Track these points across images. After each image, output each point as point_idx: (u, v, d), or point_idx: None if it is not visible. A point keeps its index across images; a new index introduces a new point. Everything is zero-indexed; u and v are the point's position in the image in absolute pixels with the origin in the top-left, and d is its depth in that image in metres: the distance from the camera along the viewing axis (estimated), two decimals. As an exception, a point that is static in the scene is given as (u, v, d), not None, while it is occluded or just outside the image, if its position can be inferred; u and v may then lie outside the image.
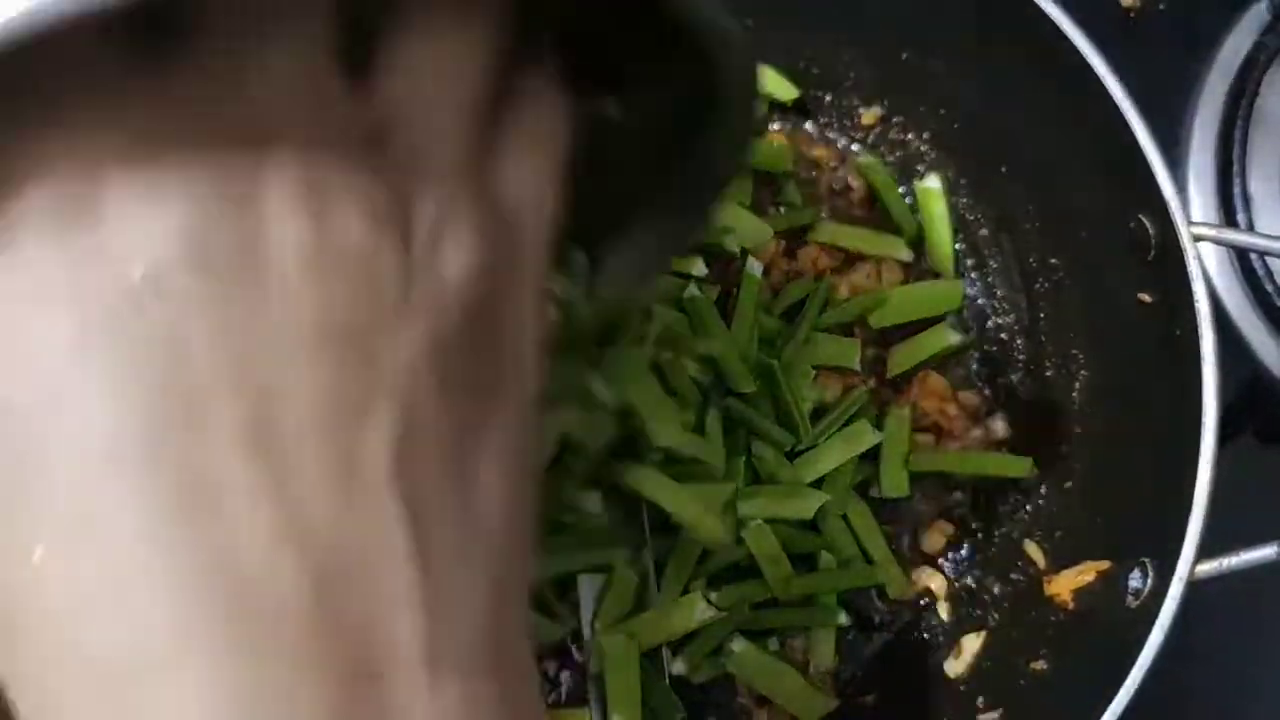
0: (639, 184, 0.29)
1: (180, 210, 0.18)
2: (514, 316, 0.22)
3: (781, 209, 0.57)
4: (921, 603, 0.55)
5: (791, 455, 0.53)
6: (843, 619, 0.53)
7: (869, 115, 0.58)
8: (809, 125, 0.59)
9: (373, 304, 0.19)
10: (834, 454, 0.53)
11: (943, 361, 0.57)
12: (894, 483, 0.54)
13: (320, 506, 0.18)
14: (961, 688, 0.52)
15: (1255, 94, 0.59)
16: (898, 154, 0.59)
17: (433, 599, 0.18)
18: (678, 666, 0.51)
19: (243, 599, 0.17)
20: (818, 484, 0.53)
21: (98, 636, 0.17)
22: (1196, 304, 0.45)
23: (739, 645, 0.51)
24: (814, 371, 0.55)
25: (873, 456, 0.55)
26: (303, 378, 0.18)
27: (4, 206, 0.17)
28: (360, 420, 0.18)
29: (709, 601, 0.50)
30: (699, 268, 0.53)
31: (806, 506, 0.52)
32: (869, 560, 0.54)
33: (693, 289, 0.52)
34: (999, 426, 0.56)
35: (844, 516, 0.54)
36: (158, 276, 0.17)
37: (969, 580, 0.55)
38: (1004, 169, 0.56)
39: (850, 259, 0.57)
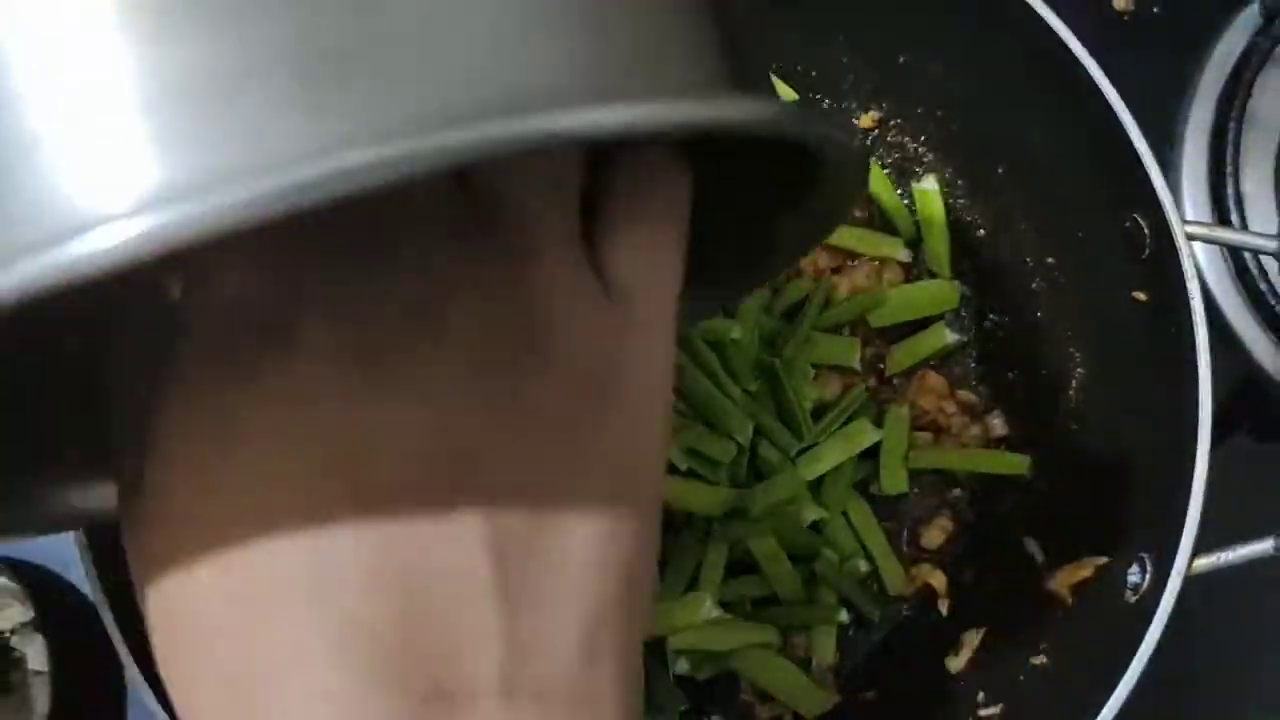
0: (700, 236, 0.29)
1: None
2: (635, 379, 0.22)
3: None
4: (922, 599, 0.55)
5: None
6: (843, 617, 0.54)
7: (867, 118, 0.59)
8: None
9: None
10: (835, 452, 0.54)
11: (941, 360, 0.58)
12: (893, 480, 0.55)
13: (415, 546, 0.19)
14: (962, 683, 0.53)
15: (1248, 95, 0.59)
16: (895, 156, 0.59)
17: (513, 633, 0.20)
18: (681, 666, 0.51)
19: (344, 625, 0.19)
20: (818, 482, 0.54)
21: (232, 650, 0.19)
22: (1191, 302, 0.45)
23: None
24: (813, 370, 0.55)
25: (872, 454, 0.55)
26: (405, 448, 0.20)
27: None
28: (460, 469, 0.20)
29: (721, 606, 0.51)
30: None
31: (805, 516, 0.53)
32: (869, 557, 0.54)
33: None
34: (997, 424, 0.57)
35: (844, 514, 0.54)
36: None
37: (968, 576, 0.55)
38: (1000, 170, 0.56)
39: (851, 259, 0.58)
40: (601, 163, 0.22)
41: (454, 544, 0.20)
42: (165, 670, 0.20)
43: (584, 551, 0.21)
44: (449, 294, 0.20)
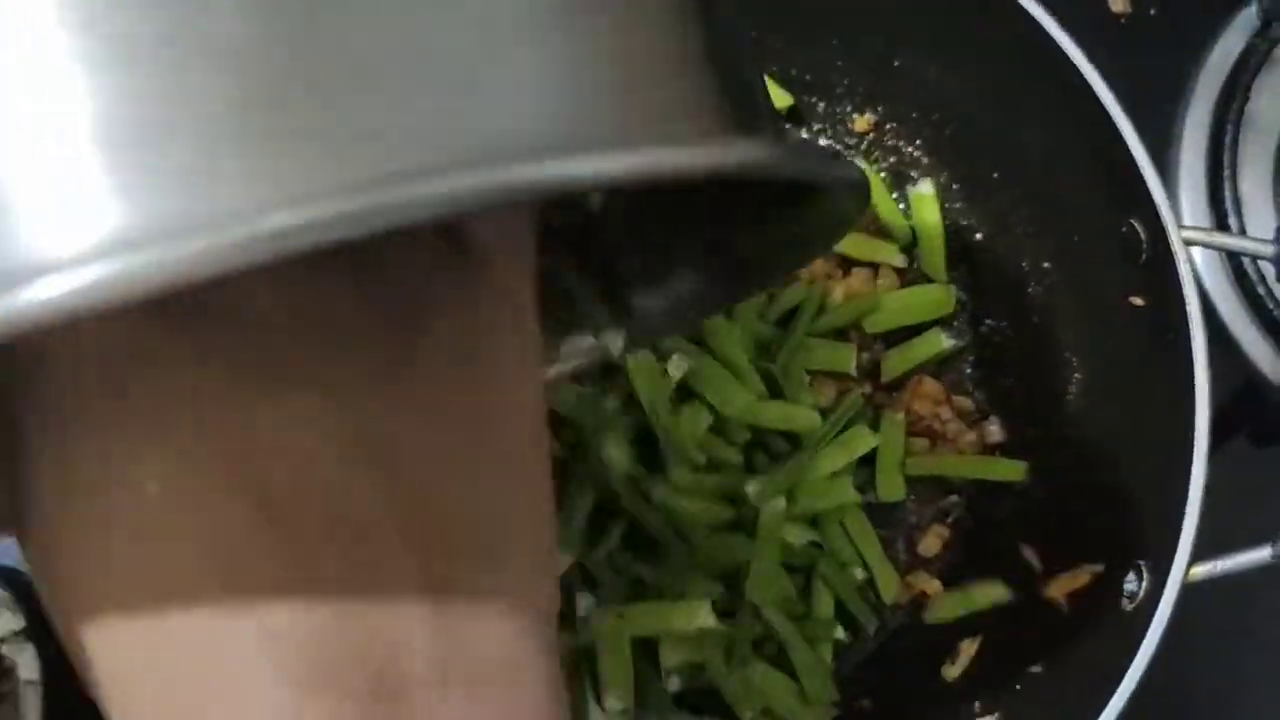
0: (690, 247, 0.28)
1: None
2: (499, 340, 0.22)
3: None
4: (918, 607, 0.55)
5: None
6: (840, 634, 0.53)
7: (862, 122, 0.59)
8: (803, 132, 0.59)
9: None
10: (832, 459, 0.53)
11: (937, 366, 0.57)
12: (890, 487, 0.55)
13: (334, 550, 0.20)
14: (958, 691, 0.52)
15: (1245, 98, 0.59)
16: (891, 160, 0.59)
17: (442, 626, 0.21)
18: (673, 684, 0.51)
19: (275, 641, 0.20)
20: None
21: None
22: (1188, 307, 0.45)
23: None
24: (808, 376, 0.55)
25: (867, 460, 0.55)
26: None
27: None
28: (369, 456, 0.20)
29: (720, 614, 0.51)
30: None
31: (798, 534, 0.53)
32: (865, 565, 0.54)
33: None
34: (993, 430, 0.56)
35: (840, 522, 0.54)
36: None
37: (965, 584, 0.55)
38: (996, 174, 0.56)
39: (846, 264, 0.57)
40: None
41: (374, 540, 0.20)
42: (111, 709, 0.21)
43: (498, 528, 0.22)
44: (327, 286, 0.20)
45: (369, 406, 0.20)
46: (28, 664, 0.53)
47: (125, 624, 0.19)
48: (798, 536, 0.53)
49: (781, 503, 0.52)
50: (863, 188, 0.23)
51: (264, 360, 0.20)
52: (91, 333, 0.19)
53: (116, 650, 0.20)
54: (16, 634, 0.53)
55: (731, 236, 0.27)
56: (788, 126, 0.59)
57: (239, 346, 0.20)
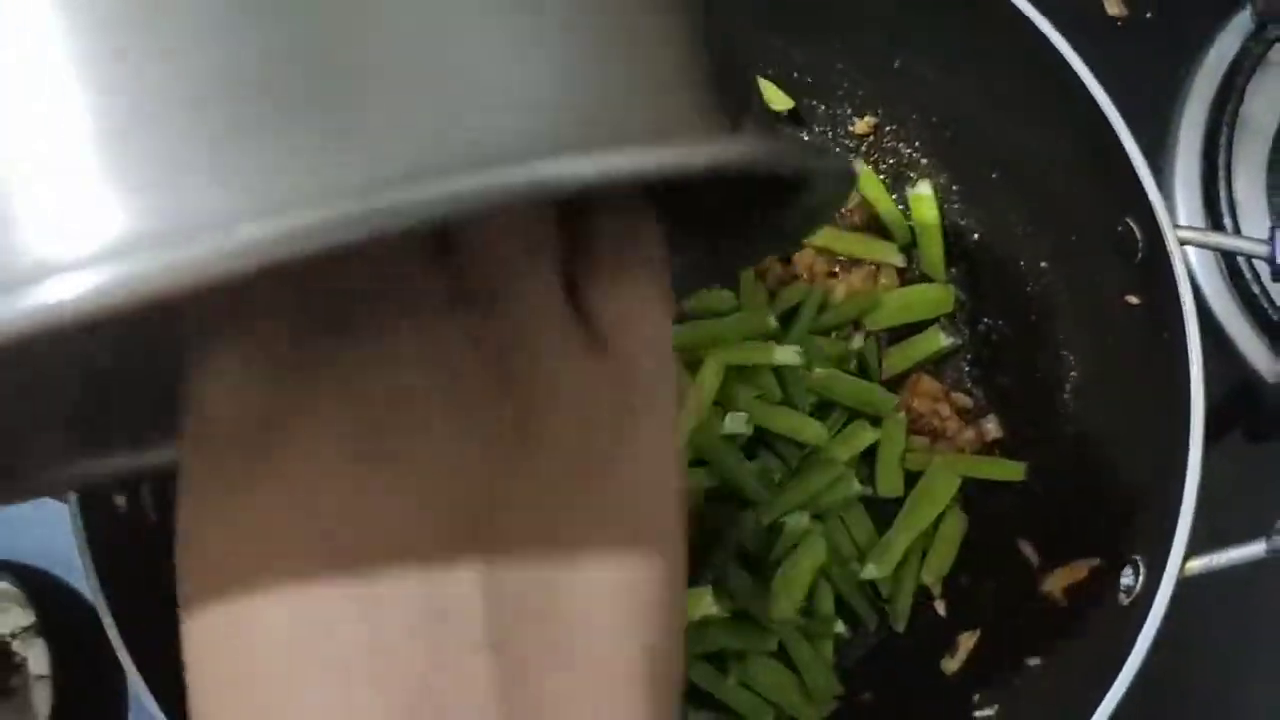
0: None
1: None
2: (640, 423, 0.21)
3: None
4: (917, 601, 0.56)
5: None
6: (840, 628, 0.54)
7: (862, 124, 0.59)
8: (803, 134, 0.60)
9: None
10: (836, 455, 0.54)
11: (935, 364, 0.58)
12: (890, 482, 0.55)
13: (413, 659, 0.19)
14: (957, 685, 0.53)
15: (1240, 100, 0.60)
16: (890, 162, 0.60)
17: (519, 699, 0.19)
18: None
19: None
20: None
21: None
22: (1183, 305, 0.46)
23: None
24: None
25: (867, 456, 0.55)
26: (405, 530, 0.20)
27: None
28: (454, 573, 0.19)
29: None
30: None
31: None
32: (865, 560, 0.54)
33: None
34: (991, 427, 0.57)
35: (840, 517, 0.54)
36: None
37: (963, 578, 0.55)
38: (994, 175, 0.57)
39: (847, 263, 0.58)
40: (572, 209, 0.22)
41: (454, 624, 0.19)
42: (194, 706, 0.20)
43: (607, 604, 0.20)
44: (443, 359, 0.20)
45: (479, 473, 0.20)
46: (38, 658, 0.53)
47: (226, 629, 0.20)
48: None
49: (805, 519, 0.52)
50: (851, 178, 0.23)
51: (381, 420, 0.20)
52: (232, 400, 0.20)
53: (207, 649, 0.20)
54: (27, 629, 0.53)
55: (713, 226, 0.27)
56: (776, 121, 0.59)
57: (356, 417, 0.20)
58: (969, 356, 0.58)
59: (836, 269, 0.58)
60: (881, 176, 0.59)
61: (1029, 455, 0.56)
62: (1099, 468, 0.53)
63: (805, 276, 0.57)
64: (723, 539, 0.53)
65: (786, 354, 0.53)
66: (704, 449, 0.53)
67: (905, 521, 0.54)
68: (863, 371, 0.57)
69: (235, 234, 0.14)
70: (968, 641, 0.53)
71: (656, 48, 0.18)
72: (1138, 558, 0.46)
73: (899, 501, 0.55)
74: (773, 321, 0.55)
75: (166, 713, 0.41)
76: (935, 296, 0.58)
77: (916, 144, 0.59)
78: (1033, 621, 0.52)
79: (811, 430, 0.54)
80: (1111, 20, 0.64)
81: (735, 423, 0.52)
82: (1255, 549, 0.44)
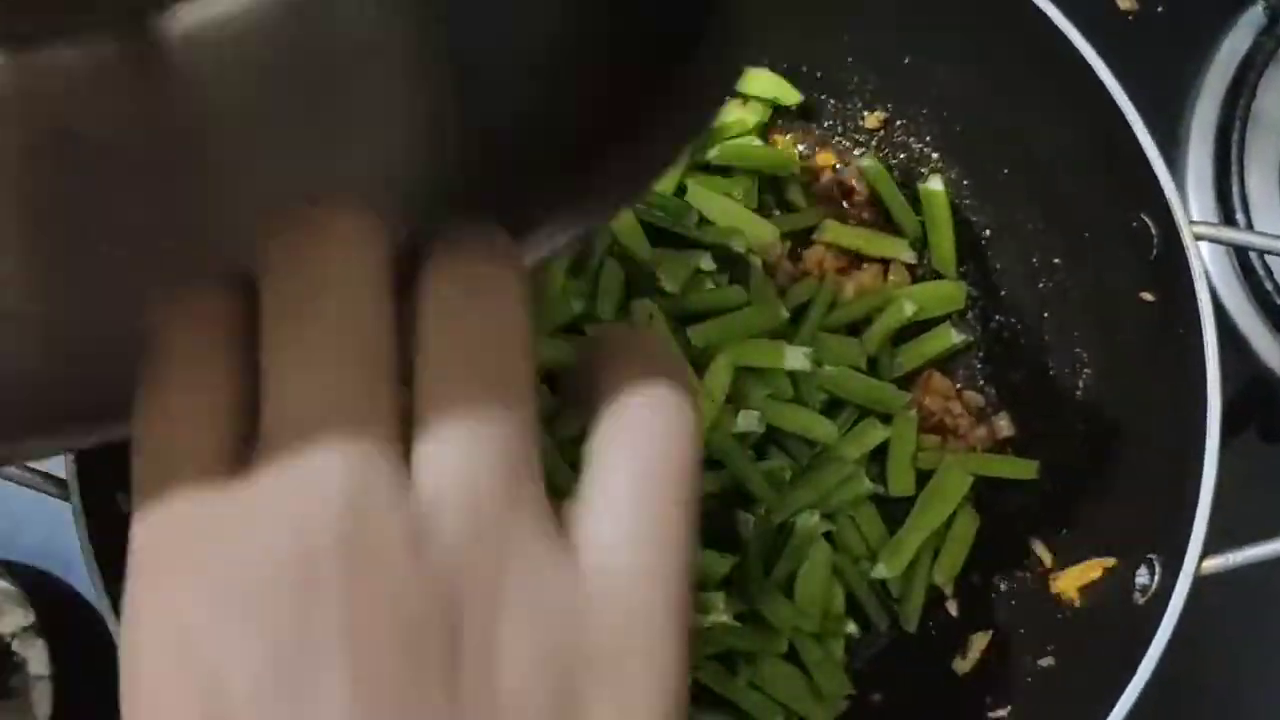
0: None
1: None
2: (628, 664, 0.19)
3: (786, 212, 0.58)
4: (929, 601, 0.55)
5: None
6: (851, 628, 0.54)
7: (872, 119, 0.59)
8: (813, 129, 0.60)
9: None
10: (846, 453, 0.54)
11: (947, 361, 0.57)
12: (901, 481, 0.55)
13: None
14: (969, 685, 0.53)
15: (1253, 94, 0.59)
16: (901, 157, 0.59)
17: None
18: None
19: None
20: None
21: None
22: (1199, 301, 0.45)
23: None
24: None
25: (878, 454, 0.55)
26: None
27: None
28: None
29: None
30: (707, 262, 0.54)
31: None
32: (876, 559, 0.54)
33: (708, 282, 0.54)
34: (1003, 425, 0.57)
35: (851, 516, 0.54)
36: None
37: (975, 578, 0.55)
38: (1006, 171, 0.56)
39: (857, 260, 0.58)
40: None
41: None
42: None
43: None
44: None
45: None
46: (38, 659, 0.53)
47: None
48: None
49: (815, 517, 0.52)
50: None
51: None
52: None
53: None
54: (27, 629, 0.53)
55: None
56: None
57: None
58: (981, 354, 0.58)
59: (846, 265, 0.58)
60: (893, 172, 0.59)
61: (1041, 453, 0.55)
62: (1113, 466, 0.52)
63: (815, 273, 0.57)
64: (733, 539, 0.52)
65: (796, 358, 0.53)
66: (716, 448, 0.52)
67: (916, 520, 0.53)
68: (873, 369, 0.56)
69: None
70: (980, 642, 0.53)
71: None
72: (1153, 557, 0.46)
73: (910, 500, 0.55)
74: (784, 313, 0.54)
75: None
76: (947, 293, 0.57)
77: (927, 139, 0.58)
78: (1046, 622, 0.51)
79: (822, 428, 0.53)
80: (1123, 14, 0.63)
81: (748, 420, 0.52)
82: (1272, 547, 0.44)
